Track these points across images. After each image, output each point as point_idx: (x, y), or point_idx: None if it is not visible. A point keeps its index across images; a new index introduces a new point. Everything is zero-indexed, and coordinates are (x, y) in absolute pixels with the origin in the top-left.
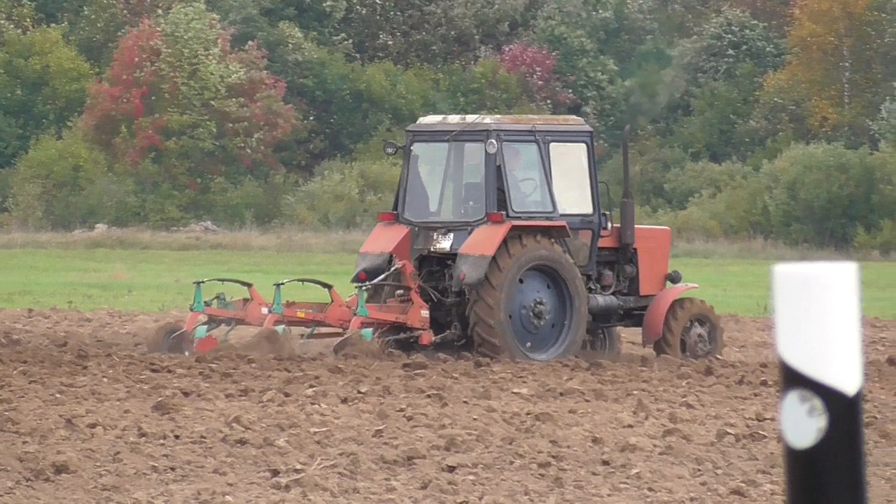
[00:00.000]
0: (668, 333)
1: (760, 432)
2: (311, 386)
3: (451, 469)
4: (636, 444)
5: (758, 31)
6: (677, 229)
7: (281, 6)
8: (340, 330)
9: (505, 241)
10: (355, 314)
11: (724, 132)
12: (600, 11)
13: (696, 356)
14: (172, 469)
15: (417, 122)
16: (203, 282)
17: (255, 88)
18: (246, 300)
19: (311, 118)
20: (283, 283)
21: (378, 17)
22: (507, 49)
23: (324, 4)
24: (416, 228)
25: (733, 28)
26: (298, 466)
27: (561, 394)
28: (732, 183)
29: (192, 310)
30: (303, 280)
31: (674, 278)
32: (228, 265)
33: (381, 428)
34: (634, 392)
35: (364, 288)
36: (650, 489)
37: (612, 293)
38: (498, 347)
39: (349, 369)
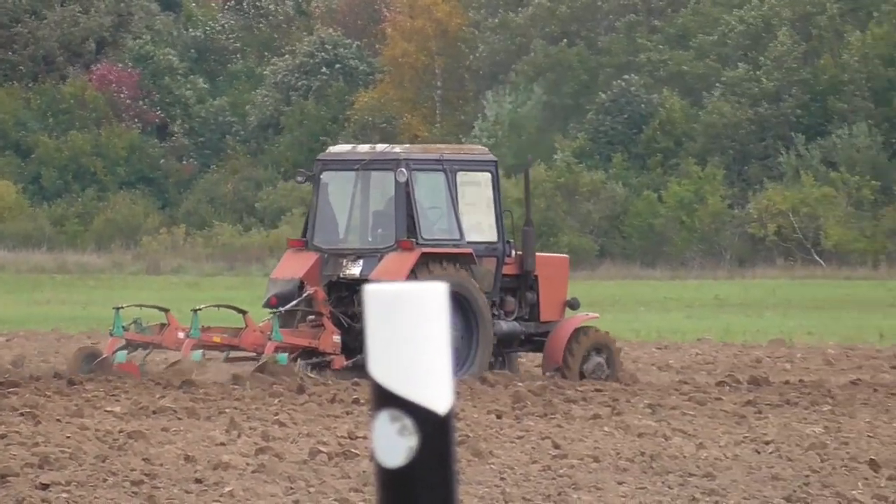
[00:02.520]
0: (569, 361)
1: (353, 450)
2: None
3: (45, 487)
4: (229, 462)
5: (351, 49)
6: (269, 248)
7: None
8: (254, 354)
9: (414, 268)
10: (270, 339)
11: (313, 151)
12: (190, 30)
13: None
14: None
15: (327, 150)
16: (122, 307)
17: None
18: (163, 325)
19: None
20: (200, 309)
21: None
22: (95, 68)
23: None
24: (326, 255)
25: (326, 46)
26: None
27: (154, 412)
28: None
29: (111, 335)
30: (219, 306)
31: (572, 305)
32: None
33: None
34: (227, 410)
35: (276, 314)
36: None
37: (515, 319)
38: None
39: None
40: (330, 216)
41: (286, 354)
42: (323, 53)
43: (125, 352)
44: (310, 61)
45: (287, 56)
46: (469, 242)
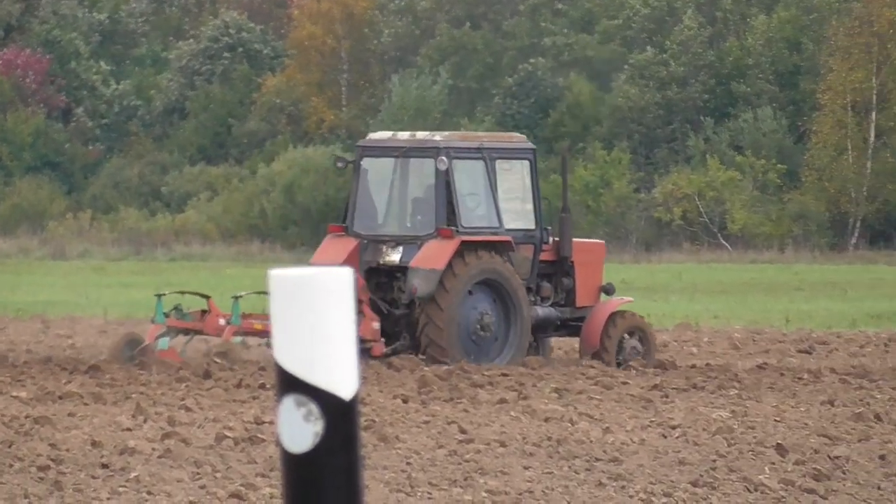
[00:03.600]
0: (606, 345)
1: (259, 436)
2: None
3: None
4: (135, 447)
5: (255, 33)
6: (174, 233)
7: None
8: None
9: (454, 256)
10: None
11: (220, 135)
12: (95, 14)
13: (630, 365)
14: None
15: (367, 137)
16: (164, 294)
17: None
18: (204, 311)
19: None
20: (241, 296)
21: None
22: (1, 53)
23: None
24: (365, 241)
25: (230, 31)
26: None
27: (60, 397)
28: (229, 186)
29: (153, 322)
30: (260, 293)
31: (608, 290)
32: None
33: None
34: (133, 395)
35: None
36: (149, 493)
37: (551, 305)
38: (446, 353)
39: None
40: (369, 203)
41: None
42: (227, 38)
43: (167, 338)
44: (214, 45)
45: (191, 40)
46: (507, 230)
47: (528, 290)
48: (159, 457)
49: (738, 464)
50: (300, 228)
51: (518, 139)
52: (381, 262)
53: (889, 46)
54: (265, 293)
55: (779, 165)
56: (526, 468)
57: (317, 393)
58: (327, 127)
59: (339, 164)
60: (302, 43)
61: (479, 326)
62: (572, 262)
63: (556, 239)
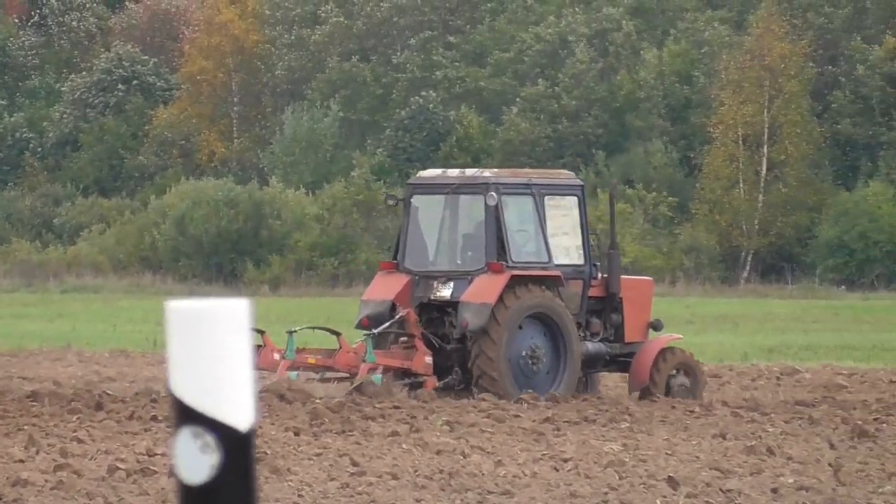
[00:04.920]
0: (655, 380)
1: (151, 467)
2: None
3: None
4: (28, 479)
5: (149, 66)
6: (67, 265)
7: None
8: (348, 374)
9: (504, 290)
10: (364, 360)
11: (112, 167)
12: None
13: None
14: None
15: (417, 175)
16: (295, 330)
17: None
18: (259, 346)
19: None
20: (295, 331)
21: None
22: None
23: None
24: (417, 277)
25: (124, 63)
26: None
27: None
28: (122, 218)
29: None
30: (314, 328)
31: (656, 326)
32: None
33: None
34: (25, 427)
35: (369, 335)
36: None
37: (600, 340)
38: (497, 384)
39: None
40: (420, 239)
41: (381, 375)
42: (121, 70)
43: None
44: (107, 78)
45: (84, 73)
46: (556, 265)
47: (578, 325)
48: (52, 488)
49: (629, 497)
50: (191, 260)
51: (566, 176)
52: (433, 297)
53: (780, 80)
54: (321, 328)
55: (670, 198)
56: (418, 501)
57: (213, 424)
58: (219, 159)
59: (390, 202)
60: (193, 76)
61: (530, 360)
62: (621, 298)
63: (605, 275)
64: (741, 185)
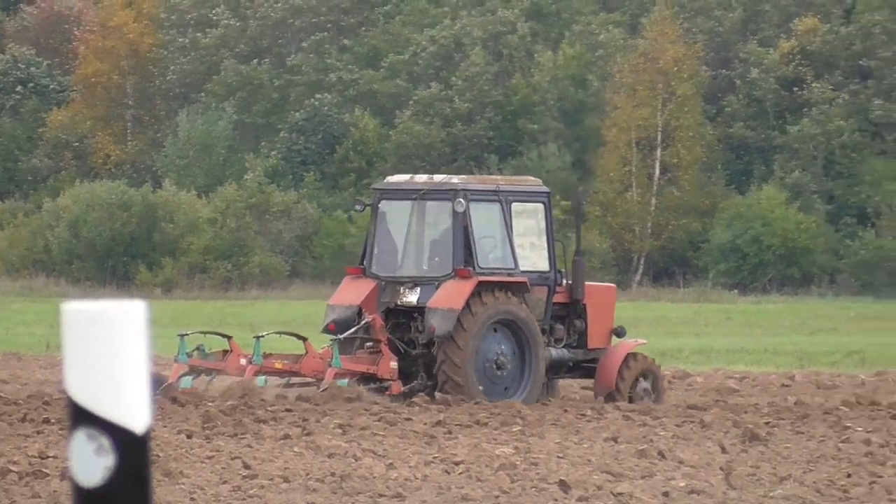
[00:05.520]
0: (620, 387)
1: (44, 470)
2: None
3: None
4: None
5: (42, 68)
6: None
7: None
8: (314, 380)
9: (471, 296)
10: (330, 365)
11: (7, 169)
12: None
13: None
14: None
15: (385, 180)
16: (187, 334)
17: None
18: (226, 352)
19: None
20: (262, 336)
21: None
22: None
23: None
24: (383, 282)
25: (20, 65)
26: None
27: None
28: (15, 221)
29: (176, 361)
30: (280, 333)
31: (619, 333)
32: None
33: None
34: None
35: (335, 340)
36: None
37: (564, 346)
38: (462, 390)
39: None
40: (387, 244)
41: (347, 380)
42: (17, 72)
43: (190, 378)
44: (3, 79)
45: None
46: (523, 272)
47: (542, 331)
48: None
49: (521, 500)
50: (85, 263)
51: (533, 182)
52: (399, 302)
53: (674, 83)
54: (287, 334)
55: (563, 202)
56: None
57: (109, 427)
58: (113, 162)
59: (358, 207)
60: (88, 79)
61: (495, 365)
62: (584, 304)
63: (570, 282)
64: (634, 188)
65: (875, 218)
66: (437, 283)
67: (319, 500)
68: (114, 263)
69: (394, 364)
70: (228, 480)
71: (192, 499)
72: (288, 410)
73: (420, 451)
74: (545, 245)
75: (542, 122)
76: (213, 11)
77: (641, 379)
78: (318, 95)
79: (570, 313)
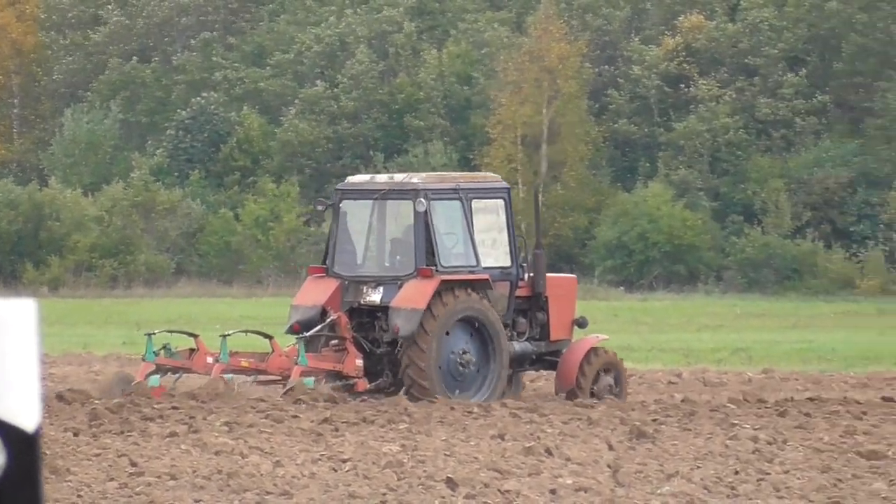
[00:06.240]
0: (581, 382)
1: None
2: None
3: None
4: None
5: None
6: None
7: None
8: (280, 378)
9: (433, 297)
10: (296, 363)
11: None
12: None
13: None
14: None
15: (346, 180)
16: (153, 333)
17: None
18: (192, 350)
19: None
20: (228, 335)
21: None
22: None
23: None
24: (346, 282)
25: None
26: None
27: None
28: None
29: (143, 360)
30: (246, 331)
31: (581, 323)
32: None
33: None
34: None
35: (301, 339)
36: None
37: (526, 339)
38: (428, 392)
39: None
40: (349, 244)
41: (313, 378)
42: None
43: (157, 376)
44: None
45: None
46: (485, 268)
47: (505, 325)
48: None
49: (408, 498)
50: None
51: (493, 179)
52: (363, 301)
53: (559, 81)
54: (251, 332)
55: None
56: (197, 501)
57: (0, 425)
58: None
59: (319, 207)
60: None
61: (459, 363)
62: (546, 297)
63: (531, 275)
64: (520, 185)
65: (761, 215)
66: (399, 282)
67: (206, 498)
68: (0, 262)
69: (359, 361)
70: (115, 478)
71: (78, 496)
72: (175, 408)
73: (307, 449)
74: (506, 240)
75: (428, 120)
76: (102, 9)
77: (604, 374)
78: (203, 94)
79: (532, 306)
